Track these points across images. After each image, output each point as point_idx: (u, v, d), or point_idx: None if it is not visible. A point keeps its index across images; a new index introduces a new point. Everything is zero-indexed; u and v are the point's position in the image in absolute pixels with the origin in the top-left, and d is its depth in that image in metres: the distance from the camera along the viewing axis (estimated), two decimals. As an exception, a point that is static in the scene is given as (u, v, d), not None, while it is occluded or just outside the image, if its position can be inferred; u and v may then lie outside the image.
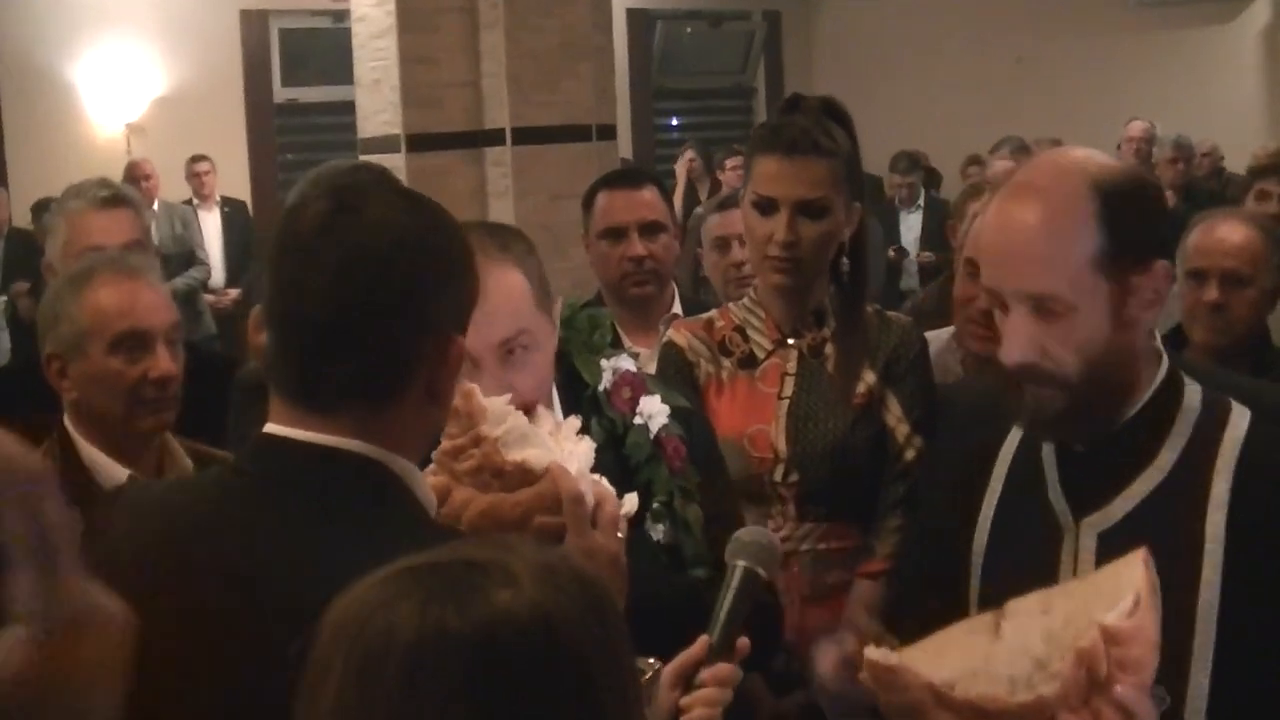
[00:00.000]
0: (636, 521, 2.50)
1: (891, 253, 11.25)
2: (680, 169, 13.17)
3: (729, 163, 12.20)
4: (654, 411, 2.70)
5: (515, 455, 2.20)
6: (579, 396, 2.68)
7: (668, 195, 4.45)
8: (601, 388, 2.69)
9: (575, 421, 2.33)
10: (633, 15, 15.58)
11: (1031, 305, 2.21)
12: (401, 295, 1.89)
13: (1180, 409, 2.30)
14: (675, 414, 2.72)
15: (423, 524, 1.93)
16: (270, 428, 1.95)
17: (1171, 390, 2.31)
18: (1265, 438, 2.29)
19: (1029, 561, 2.31)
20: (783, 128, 3.26)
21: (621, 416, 2.67)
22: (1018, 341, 2.23)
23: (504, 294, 2.50)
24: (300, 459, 1.91)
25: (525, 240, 2.67)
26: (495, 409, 2.21)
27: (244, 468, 2.03)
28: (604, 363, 2.73)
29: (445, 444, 2.20)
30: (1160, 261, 2.23)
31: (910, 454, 3.25)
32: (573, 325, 2.73)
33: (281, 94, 13.80)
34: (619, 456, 2.63)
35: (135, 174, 11.31)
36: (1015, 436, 2.43)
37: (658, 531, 2.60)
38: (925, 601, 2.41)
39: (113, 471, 3.01)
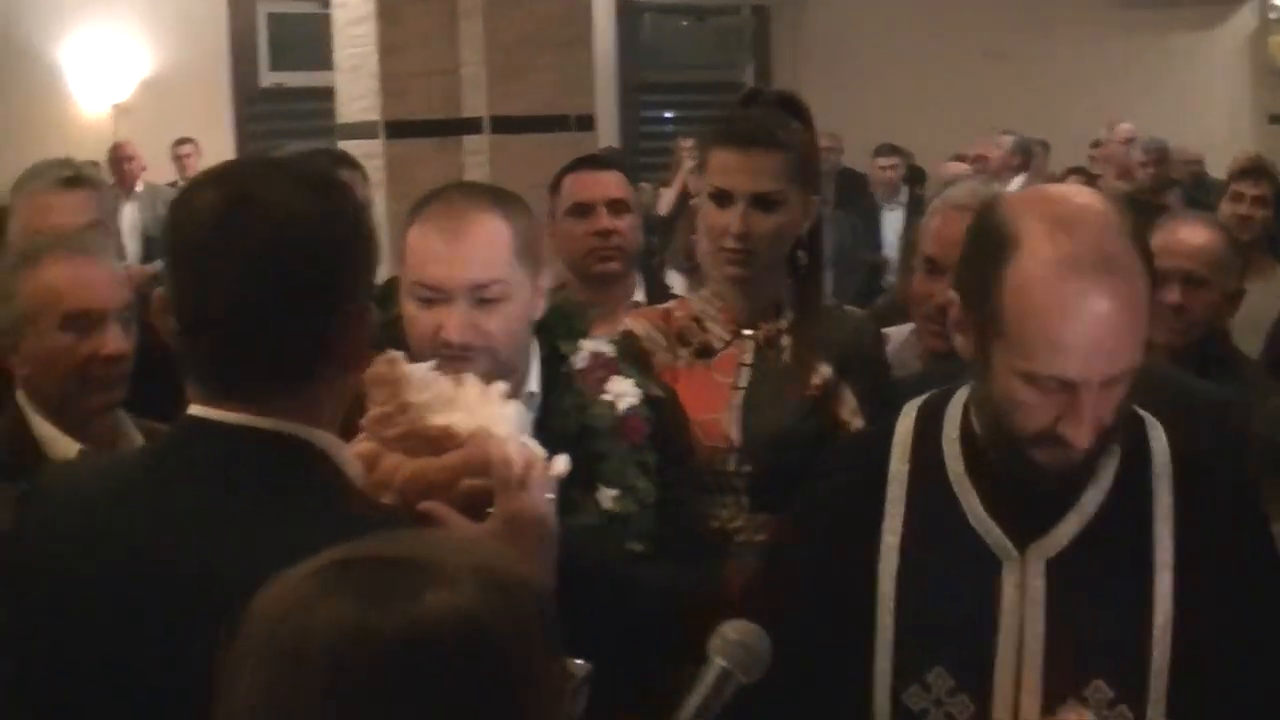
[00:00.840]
0: (588, 488, 2.58)
1: (867, 256, 11.22)
2: (686, 159, 13.11)
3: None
4: (623, 391, 2.75)
5: (440, 420, 2.23)
6: (558, 370, 2.74)
7: (633, 181, 4.47)
8: (577, 366, 2.75)
9: (502, 385, 2.36)
10: (621, 6, 15.58)
11: (1107, 383, 2.13)
12: (305, 280, 1.89)
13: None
14: (648, 400, 2.77)
15: (347, 497, 1.93)
16: (192, 409, 1.95)
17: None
18: (1183, 445, 2.31)
19: (961, 598, 2.28)
20: (738, 120, 3.28)
21: (591, 392, 2.72)
22: (1096, 426, 2.15)
23: (483, 239, 2.60)
24: (221, 440, 1.91)
25: (524, 205, 2.74)
26: (419, 376, 2.23)
27: (165, 449, 2.04)
28: (583, 343, 2.80)
29: (373, 411, 2.22)
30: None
31: None
32: (557, 308, 2.80)
33: (268, 78, 13.81)
34: (580, 425, 2.68)
35: (119, 155, 11.31)
36: (901, 466, 2.38)
37: (607, 498, 2.63)
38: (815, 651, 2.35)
39: (64, 445, 3.02)
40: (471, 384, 2.31)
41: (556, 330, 2.78)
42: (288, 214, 1.90)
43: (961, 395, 2.37)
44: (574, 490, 2.59)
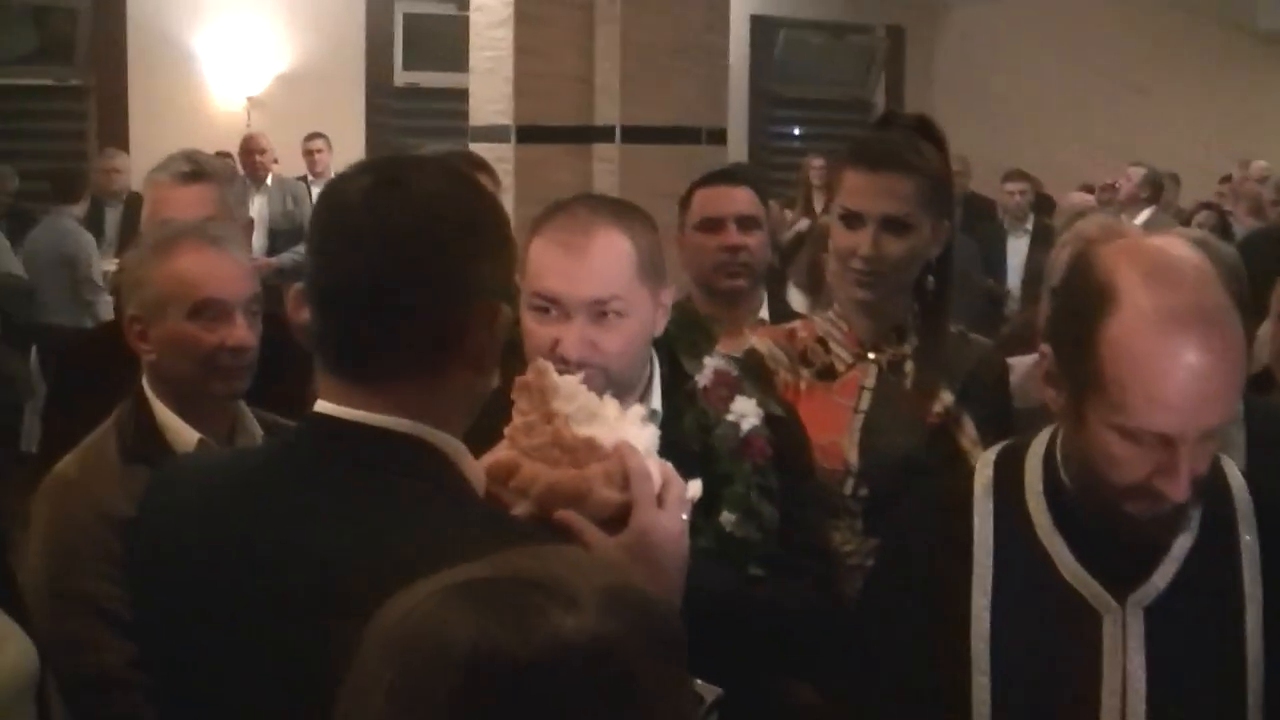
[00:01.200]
0: (710, 511, 2.54)
1: (991, 283, 11.14)
2: (814, 176, 13.11)
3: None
4: (747, 412, 2.71)
5: (584, 431, 2.21)
6: (680, 389, 2.71)
7: (764, 198, 4.45)
8: (701, 384, 2.72)
9: (640, 409, 2.34)
10: (756, 22, 15.59)
11: (1204, 437, 2.11)
12: (443, 267, 1.90)
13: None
14: (769, 420, 2.74)
15: (470, 505, 1.93)
16: (320, 405, 1.96)
17: None
18: (1259, 481, 2.29)
19: (1060, 653, 2.25)
20: (872, 142, 3.27)
21: (715, 411, 2.69)
22: (1192, 478, 2.12)
23: (607, 254, 2.57)
24: (345, 437, 1.92)
25: (648, 220, 2.70)
26: (567, 386, 2.20)
27: (290, 445, 2.05)
28: (706, 360, 2.76)
29: (517, 420, 2.19)
30: None
31: None
32: (681, 323, 2.76)
33: (402, 77, 13.93)
34: (705, 447, 2.64)
35: (250, 147, 11.44)
36: (985, 524, 2.34)
37: (729, 522, 2.59)
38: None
39: (185, 434, 3.05)
40: (610, 403, 2.30)
41: (680, 346, 2.75)
42: (432, 200, 1.92)
43: (1040, 445, 2.35)
44: (696, 513, 2.54)
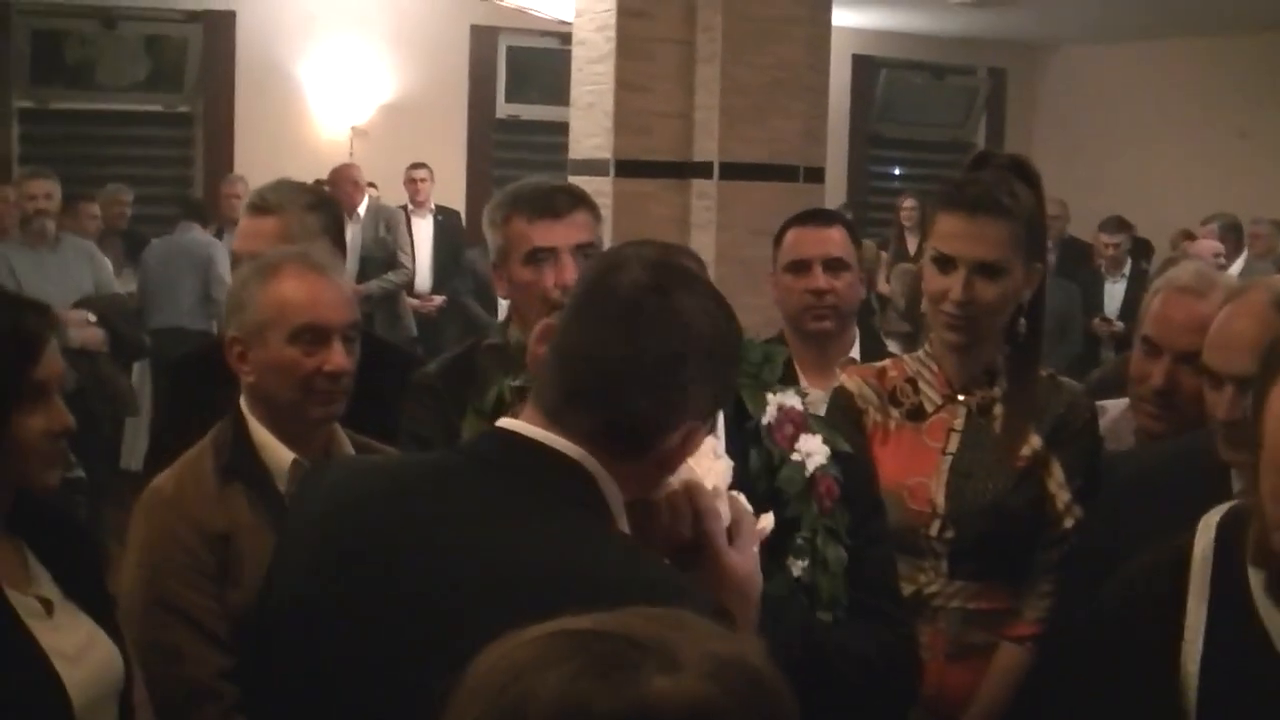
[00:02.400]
0: (777, 554, 2.49)
1: (1097, 321, 11.08)
2: (904, 218, 13.10)
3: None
4: (813, 450, 2.64)
5: None
6: (743, 426, 2.65)
7: (856, 239, 4.45)
8: (765, 421, 2.64)
9: (713, 441, 2.34)
10: (858, 61, 15.58)
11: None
12: (678, 382, 2.03)
13: None
14: (836, 456, 2.65)
15: (621, 541, 2.03)
16: (508, 423, 2.10)
17: None
18: None
19: (1262, 703, 2.20)
20: (966, 185, 3.23)
21: (780, 450, 2.61)
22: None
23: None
24: (528, 453, 2.04)
25: (699, 261, 2.68)
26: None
27: (473, 450, 2.15)
28: (770, 397, 2.67)
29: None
30: None
31: (1069, 522, 3.20)
32: (746, 357, 2.67)
33: (504, 109, 14.03)
34: (771, 489, 2.59)
35: (341, 177, 11.49)
36: (1202, 587, 2.29)
37: (797, 568, 2.54)
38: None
39: (280, 454, 3.09)
40: None
41: (743, 383, 2.65)
42: (695, 322, 2.05)
43: None
44: (762, 557, 2.51)
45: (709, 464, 2.26)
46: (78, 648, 2.68)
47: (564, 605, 1.50)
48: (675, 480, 2.20)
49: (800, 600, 2.52)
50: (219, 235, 10.86)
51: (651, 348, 2.02)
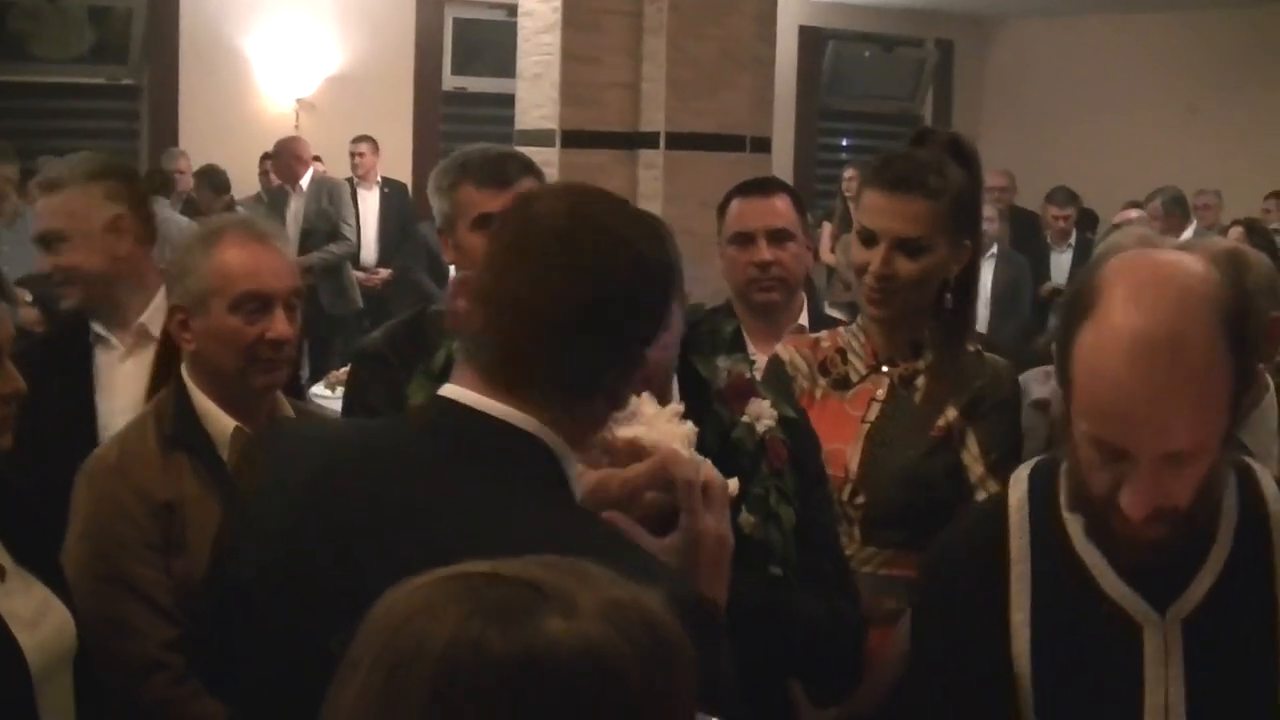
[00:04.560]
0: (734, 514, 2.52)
1: (1047, 288, 11.17)
2: (848, 189, 13.16)
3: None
4: (761, 414, 2.70)
5: (625, 432, 2.24)
6: (695, 392, 2.69)
7: (800, 206, 4.45)
8: (715, 387, 2.71)
9: (677, 406, 2.36)
10: (805, 33, 15.61)
11: (1168, 460, 2.05)
12: (617, 307, 1.98)
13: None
14: (783, 422, 2.72)
15: (572, 508, 2.00)
16: (453, 391, 2.02)
17: None
18: None
19: (1101, 666, 2.22)
20: (894, 162, 3.27)
21: (730, 414, 2.68)
22: (1158, 504, 2.06)
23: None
24: (480, 428, 1.97)
25: (667, 229, 2.72)
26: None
27: (424, 423, 2.09)
28: (719, 362, 2.75)
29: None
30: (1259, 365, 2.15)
31: (982, 494, 3.20)
32: (696, 327, 2.75)
33: (450, 81, 14.02)
34: (724, 451, 2.63)
35: (281, 150, 11.45)
36: (1021, 540, 2.30)
37: (749, 524, 2.57)
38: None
39: (223, 422, 3.09)
40: (647, 401, 2.32)
41: (697, 348, 2.74)
42: (623, 243, 2.00)
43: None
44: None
45: (673, 428, 2.28)
46: (33, 612, 2.66)
47: None
48: (649, 441, 2.21)
49: (753, 556, 2.54)
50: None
51: (580, 279, 1.97)
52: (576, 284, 1.96)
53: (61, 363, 3.29)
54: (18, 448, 2.79)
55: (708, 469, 2.24)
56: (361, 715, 1.30)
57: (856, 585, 2.86)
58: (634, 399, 2.25)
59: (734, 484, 2.33)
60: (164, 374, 3.22)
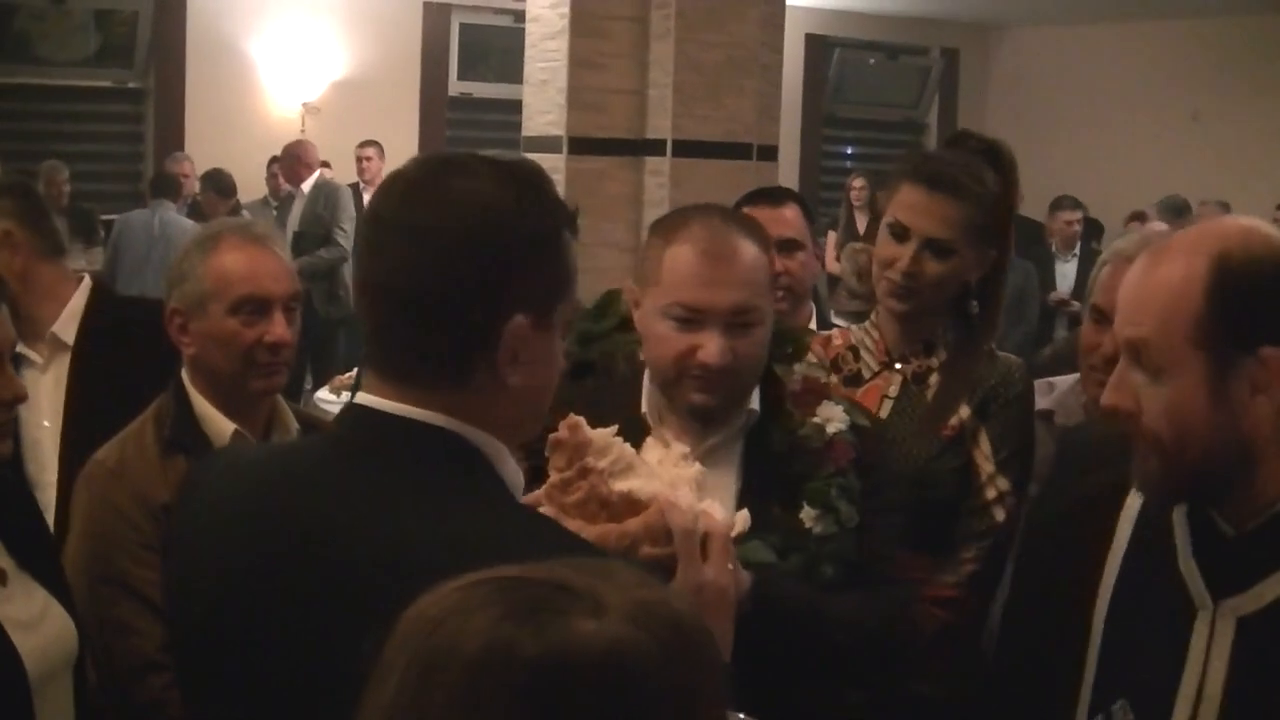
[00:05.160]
0: (789, 506, 2.64)
1: (1054, 297, 11.17)
2: (855, 197, 13.16)
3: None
4: (832, 417, 2.77)
5: (621, 485, 2.22)
6: (771, 395, 2.78)
7: (809, 215, 4.45)
8: (790, 389, 2.80)
9: (683, 448, 2.37)
10: (811, 40, 15.61)
11: (1131, 353, 2.13)
12: (471, 270, 1.85)
13: None
14: (855, 429, 2.79)
15: (503, 501, 1.91)
16: (360, 397, 1.95)
17: None
18: None
19: (1156, 637, 2.22)
20: (934, 161, 3.29)
21: (801, 414, 2.75)
22: (1113, 383, 2.16)
23: (747, 264, 2.64)
24: (387, 430, 1.90)
25: (765, 232, 2.79)
26: (600, 440, 2.21)
27: (331, 436, 2.05)
28: (796, 367, 2.84)
29: (554, 477, 2.22)
30: (1271, 349, 2.06)
31: (991, 493, 3.23)
32: (778, 332, 2.83)
33: (456, 87, 14.02)
34: (789, 448, 2.72)
35: (286, 154, 11.44)
36: (1135, 499, 2.31)
37: (809, 517, 2.64)
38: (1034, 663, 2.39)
39: (222, 425, 3.09)
40: (651, 447, 2.31)
41: (774, 353, 2.80)
42: (468, 201, 1.88)
43: None
44: (775, 507, 2.65)
45: (678, 473, 2.27)
46: (32, 617, 2.65)
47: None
48: (646, 494, 2.20)
49: (809, 550, 2.63)
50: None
51: (430, 242, 1.85)
52: (410, 254, 1.86)
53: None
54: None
55: (707, 518, 2.24)
56: (396, 716, 1.30)
57: (910, 592, 2.93)
58: (632, 452, 2.25)
59: (742, 518, 2.33)
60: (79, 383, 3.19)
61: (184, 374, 3.16)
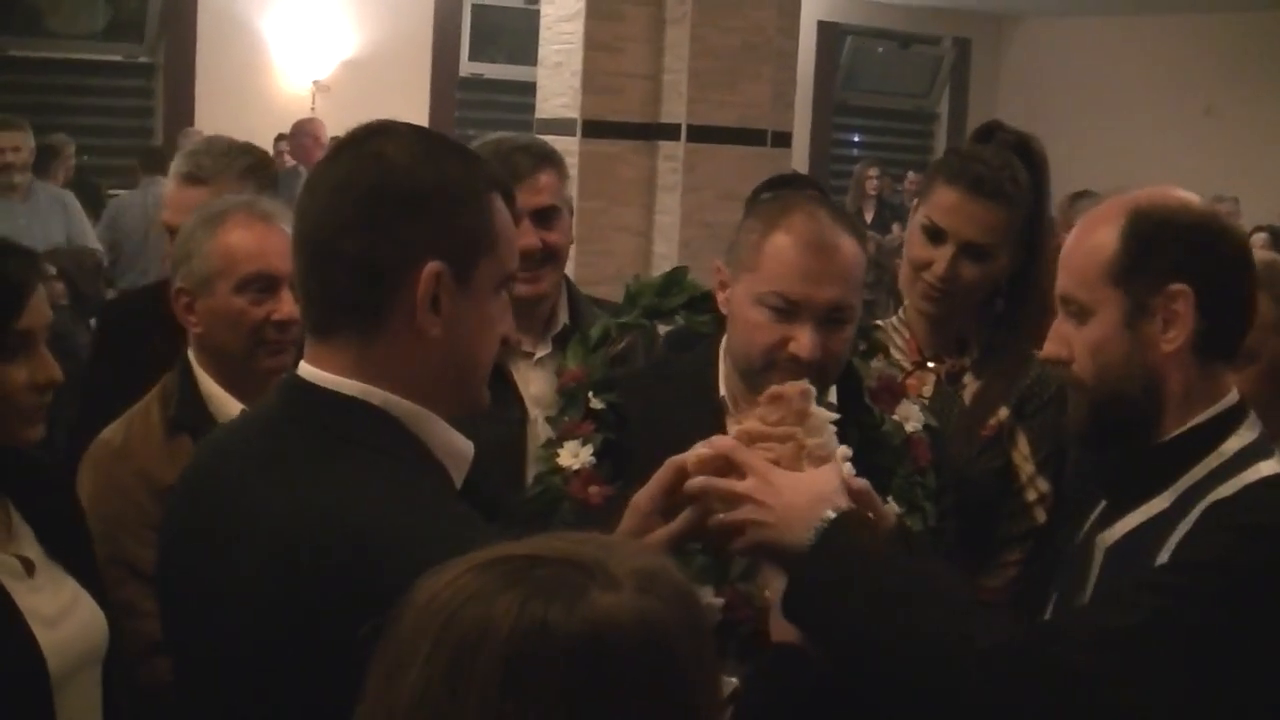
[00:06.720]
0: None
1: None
2: (867, 186, 13.14)
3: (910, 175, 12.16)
4: (910, 416, 2.77)
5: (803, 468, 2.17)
6: (849, 390, 2.76)
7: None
8: (867, 384, 2.79)
9: (846, 450, 2.27)
10: (824, 28, 15.57)
11: (1064, 305, 2.32)
12: (373, 221, 1.90)
13: (1215, 453, 2.24)
14: (928, 429, 2.79)
15: (397, 464, 1.92)
16: (300, 365, 2.01)
17: (1215, 432, 2.26)
18: (1255, 493, 2.17)
19: (1069, 563, 2.42)
20: (973, 162, 3.21)
21: (880, 412, 2.74)
22: (1051, 335, 2.35)
23: (849, 261, 2.61)
24: (304, 400, 1.96)
25: (863, 229, 2.76)
26: (820, 419, 2.16)
27: (262, 406, 2.10)
28: (873, 364, 2.84)
29: (753, 425, 2.17)
30: (1176, 286, 2.22)
31: (1032, 494, 3.19)
32: (861, 330, 2.82)
33: (467, 68, 13.98)
34: (868, 443, 2.69)
35: (299, 132, 11.44)
36: None
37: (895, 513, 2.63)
38: None
39: (229, 405, 3.04)
40: (841, 450, 2.24)
41: (855, 348, 2.79)
42: (378, 158, 1.94)
43: None
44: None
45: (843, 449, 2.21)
46: (58, 610, 2.62)
47: (306, 556, 1.74)
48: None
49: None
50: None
51: (337, 197, 1.92)
52: (320, 210, 1.94)
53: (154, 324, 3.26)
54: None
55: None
56: (426, 701, 1.31)
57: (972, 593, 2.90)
58: (835, 444, 2.18)
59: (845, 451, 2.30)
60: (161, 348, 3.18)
61: (190, 354, 3.13)
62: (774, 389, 2.16)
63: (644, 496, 2.19)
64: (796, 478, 2.08)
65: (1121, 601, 2.05)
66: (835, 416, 2.21)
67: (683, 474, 2.16)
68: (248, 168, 3.85)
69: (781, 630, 2.09)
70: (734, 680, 2.06)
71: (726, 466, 2.11)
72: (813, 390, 2.18)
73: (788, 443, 2.12)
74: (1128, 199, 2.32)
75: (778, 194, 2.80)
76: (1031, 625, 2.28)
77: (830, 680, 2.03)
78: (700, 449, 2.14)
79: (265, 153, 4.18)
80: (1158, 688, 1.94)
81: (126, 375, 3.25)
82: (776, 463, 2.11)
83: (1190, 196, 2.32)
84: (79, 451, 3.12)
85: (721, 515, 2.09)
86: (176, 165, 3.86)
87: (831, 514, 2.02)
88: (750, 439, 2.14)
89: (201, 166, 3.79)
